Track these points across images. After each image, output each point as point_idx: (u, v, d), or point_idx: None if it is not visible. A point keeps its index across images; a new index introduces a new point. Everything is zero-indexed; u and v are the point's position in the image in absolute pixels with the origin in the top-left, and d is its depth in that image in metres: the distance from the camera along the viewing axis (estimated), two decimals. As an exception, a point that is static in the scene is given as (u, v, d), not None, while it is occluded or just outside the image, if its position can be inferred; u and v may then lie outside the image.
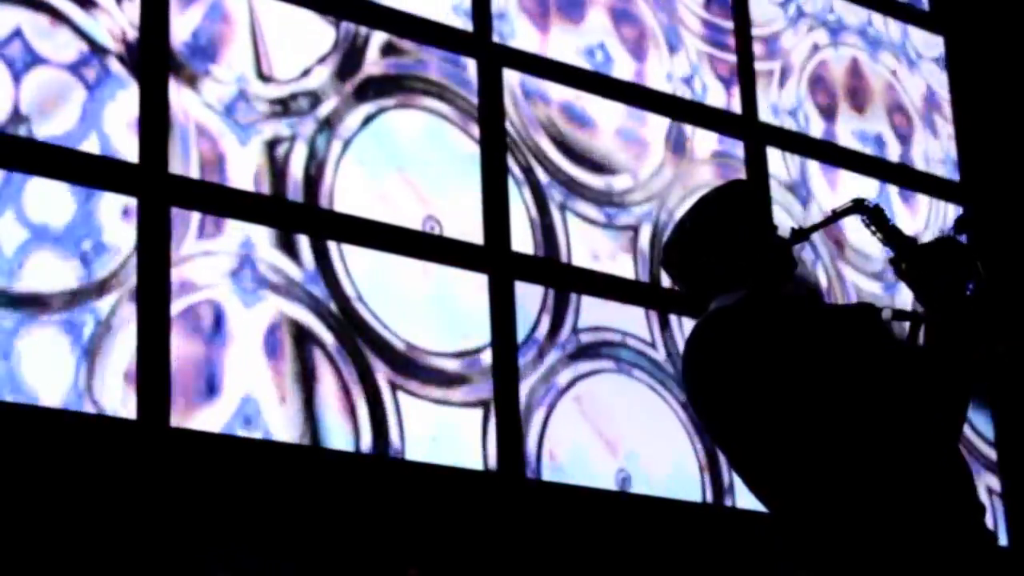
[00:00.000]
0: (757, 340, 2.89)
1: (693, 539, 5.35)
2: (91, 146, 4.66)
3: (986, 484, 6.24)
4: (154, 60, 4.80)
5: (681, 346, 3.66)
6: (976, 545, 2.84)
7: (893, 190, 6.44)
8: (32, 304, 4.46)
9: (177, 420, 4.56)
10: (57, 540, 4.24)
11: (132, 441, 4.47)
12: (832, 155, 6.31)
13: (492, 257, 5.32)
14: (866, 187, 6.31)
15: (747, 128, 6.08)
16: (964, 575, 2.80)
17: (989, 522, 3.00)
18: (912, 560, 2.77)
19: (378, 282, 5.08)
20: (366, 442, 4.91)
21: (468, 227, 5.29)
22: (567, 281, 5.47)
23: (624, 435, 5.44)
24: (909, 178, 6.51)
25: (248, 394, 4.73)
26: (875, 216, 3.04)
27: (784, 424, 2.84)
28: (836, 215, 3.14)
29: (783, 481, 2.86)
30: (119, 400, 4.50)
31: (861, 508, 2.80)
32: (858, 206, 3.07)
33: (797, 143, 6.22)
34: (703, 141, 5.96)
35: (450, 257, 5.23)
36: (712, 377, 2.91)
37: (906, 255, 2.98)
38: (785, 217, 5.97)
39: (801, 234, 3.10)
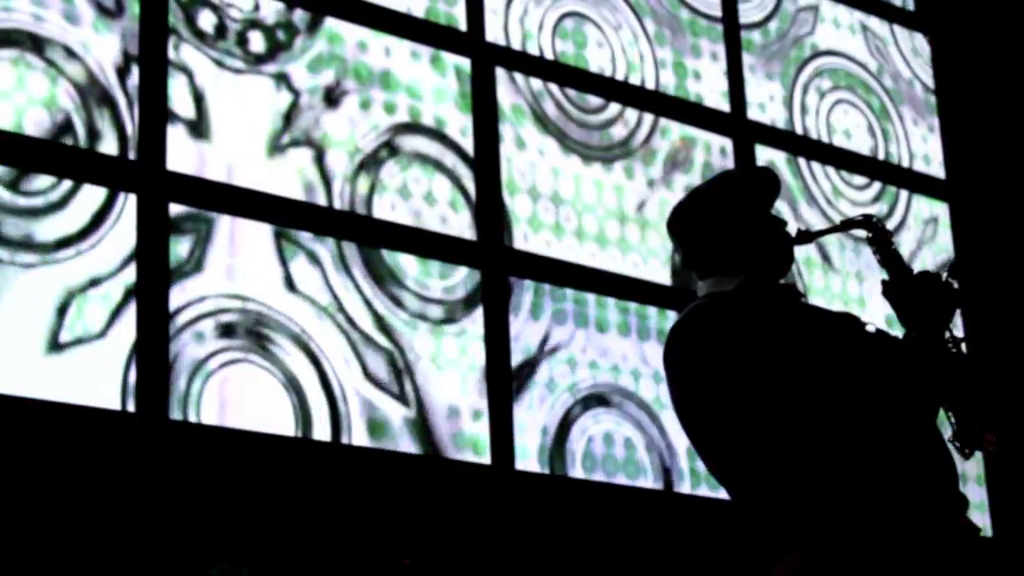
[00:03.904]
0: (754, 331, 2.90)
1: (691, 533, 5.39)
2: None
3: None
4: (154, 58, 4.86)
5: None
6: (957, 536, 2.87)
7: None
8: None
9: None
10: (56, 533, 4.26)
11: (132, 434, 4.49)
12: (820, 152, 6.36)
13: (486, 254, 5.37)
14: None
15: (735, 125, 6.14)
16: (946, 565, 2.83)
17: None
18: (895, 549, 2.80)
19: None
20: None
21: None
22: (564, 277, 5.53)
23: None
24: (896, 175, 6.55)
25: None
26: (880, 236, 3.08)
27: (773, 415, 2.86)
28: (843, 225, 3.17)
29: (764, 472, 2.87)
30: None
31: (844, 500, 2.82)
32: (867, 222, 3.11)
33: (786, 140, 6.28)
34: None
35: (443, 253, 5.28)
36: (706, 362, 2.91)
37: (901, 282, 3.01)
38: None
39: (807, 236, 3.12)
